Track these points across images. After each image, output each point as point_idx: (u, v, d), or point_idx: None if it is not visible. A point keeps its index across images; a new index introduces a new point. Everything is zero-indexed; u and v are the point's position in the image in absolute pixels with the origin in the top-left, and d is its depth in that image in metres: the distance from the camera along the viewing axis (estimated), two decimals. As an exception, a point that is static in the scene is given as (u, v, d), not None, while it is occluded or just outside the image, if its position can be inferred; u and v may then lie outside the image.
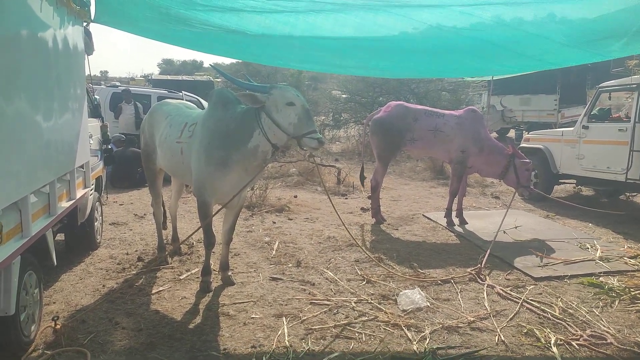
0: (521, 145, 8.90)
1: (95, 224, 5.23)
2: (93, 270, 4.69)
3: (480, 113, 6.81)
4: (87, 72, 5.50)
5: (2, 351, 2.90)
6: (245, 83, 3.88)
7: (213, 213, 4.19)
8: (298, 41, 4.52)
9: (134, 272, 4.64)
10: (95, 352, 3.17)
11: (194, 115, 4.49)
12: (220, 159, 3.86)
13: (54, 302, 3.94)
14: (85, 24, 4.79)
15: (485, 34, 4.21)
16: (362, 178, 7.04)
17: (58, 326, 3.31)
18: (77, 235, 4.89)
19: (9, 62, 2.75)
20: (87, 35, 4.91)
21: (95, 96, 5.66)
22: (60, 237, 5.00)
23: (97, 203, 5.33)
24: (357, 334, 3.51)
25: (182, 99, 10.44)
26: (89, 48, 4.95)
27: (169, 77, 23.66)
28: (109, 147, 5.80)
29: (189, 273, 4.63)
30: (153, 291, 4.20)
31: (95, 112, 5.61)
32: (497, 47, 4.40)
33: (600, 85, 7.66)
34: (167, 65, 55.53)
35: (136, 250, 5.24)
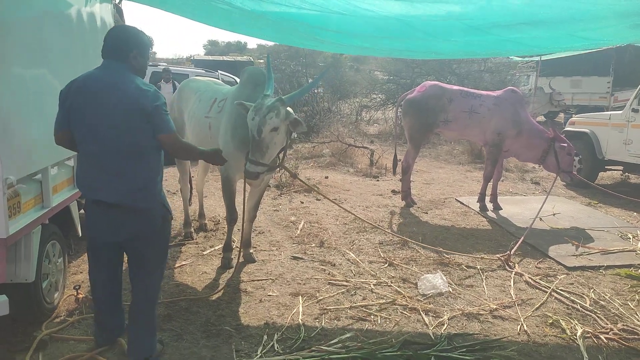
0: (566, 128, 8.48)
1: (127, 198, 5.35)
2: (121, 243, 4.81)
3: (521, 94, 6.48)
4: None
5: (24, 316, 3.01)
6: (270, 76, 3.72)
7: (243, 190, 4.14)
8: (334, 25, 4.39)
9: (159, 246, 4.73)
10: (114, 322, 3.25)
11: (224, 91, 4.46)
12: (244, 138, 3.82)
13: (81, 272, 4.07)
14: (117, 1, 4.85)
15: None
16: (395, 164, 6.89)
17: (80, 295, 3.42)
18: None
19: (33, 36, 2.81)
20: (118, 12, 4.98)
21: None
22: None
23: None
24: (372, 317, 3.45)
25: (218, 78, 10.52)
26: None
27: (210, 58, 23.99)
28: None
29: (212, 249, 4.68)
30: (176, 265, 4.27)
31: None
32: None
33: (654, 65, 7.14)
34: (212, 47, 56.15)
35: (164, 225, 5.33)
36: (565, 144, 6.03)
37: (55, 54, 3.16)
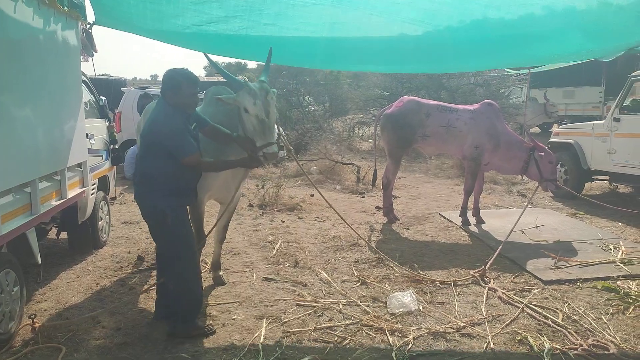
0: (551, 139, 8.42)
1: (100, 222, 5.30)
2: (92, 268, 4.75)
3: (497, 106, 6.44)
4: (92, 73, 5.63)
5: (-27, 348, 2.95)
6: (226, 75, 3.74)
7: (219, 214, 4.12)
8: (323, 41, 4.38)
9: (129, 270, 4.67)
10: (70, 351, 3.18)
11: None
12: (215, 154, 3.78)
13: (46, 300, 4.01)
14: (87, 26, 4.84)
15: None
16: (374, 178, 6.89)
17: (36, 324, 3.35)
18: (79, 234, 4.98)
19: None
20: (88, 37, 4.98)
21: (102, 97, 5.74)
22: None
23: (102, 202, 5.40)
24: (336, 338, 3.36)
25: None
26: (88, 50, 5.02)
27: (205, 79, 24.09)
28: (117, 147, 5.87)
29: (183, 272, 4.60)
30: (143, 289, 4.19)
31: (102, 112, 5.70)
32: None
33: (632, 74, 7.10)
34: (213, 68, 56.40)
35: (138, 249, 5.27)
36: (544, 152, 5.97)
37: (5, 81, 3.13)
